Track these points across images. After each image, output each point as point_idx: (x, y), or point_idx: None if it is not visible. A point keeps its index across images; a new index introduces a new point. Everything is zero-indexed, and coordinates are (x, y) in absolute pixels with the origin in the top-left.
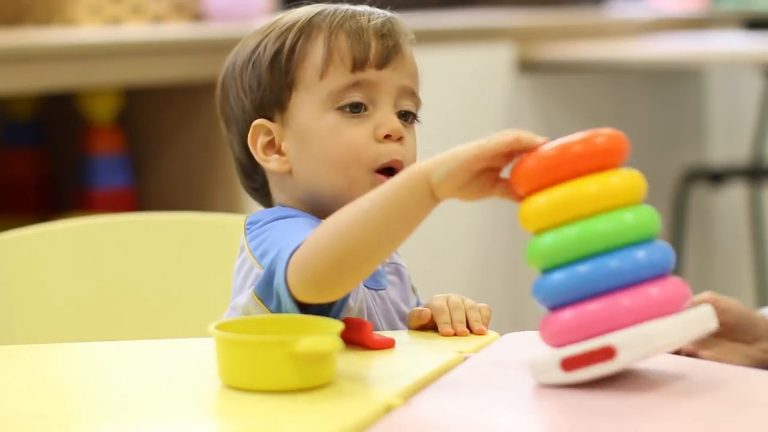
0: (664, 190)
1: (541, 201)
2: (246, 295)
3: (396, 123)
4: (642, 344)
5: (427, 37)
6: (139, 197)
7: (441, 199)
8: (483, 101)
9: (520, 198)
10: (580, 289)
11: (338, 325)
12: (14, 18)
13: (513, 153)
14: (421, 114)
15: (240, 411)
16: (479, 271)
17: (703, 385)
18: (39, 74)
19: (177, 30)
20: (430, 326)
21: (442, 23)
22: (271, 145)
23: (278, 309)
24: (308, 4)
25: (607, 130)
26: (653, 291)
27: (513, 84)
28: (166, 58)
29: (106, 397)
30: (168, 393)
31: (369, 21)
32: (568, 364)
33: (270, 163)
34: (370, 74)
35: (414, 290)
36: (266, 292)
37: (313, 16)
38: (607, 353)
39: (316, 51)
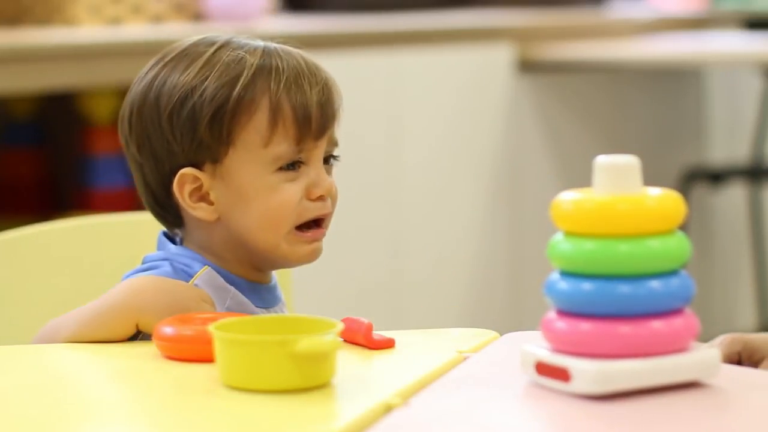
0: None
1: (571, 205)
2: None
3: (328, 181)
4: (597, 380)
5: (427, 37)
6: (139, 197)
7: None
8: (483, 101)
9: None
10: (581, 306)
11: (338, 325)
12: (14, 18)
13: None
14: (421, 114)
15: (240, 411)
16: (479, 271)
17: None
18: (39, 74)
19: (177, 30)
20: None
21: (442, 23)
22: (197, 191)
23: None
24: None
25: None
26: (656, 325)
27: (513, 84)
28: None
29: (105, 397)
30: (168, 393)
31: (311, 89)
32: (540, 368)
33: (197, 210)
34: (309, 143)
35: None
36: None
37: (255, 71)
38: (563, 375)
39: (260, 117)
